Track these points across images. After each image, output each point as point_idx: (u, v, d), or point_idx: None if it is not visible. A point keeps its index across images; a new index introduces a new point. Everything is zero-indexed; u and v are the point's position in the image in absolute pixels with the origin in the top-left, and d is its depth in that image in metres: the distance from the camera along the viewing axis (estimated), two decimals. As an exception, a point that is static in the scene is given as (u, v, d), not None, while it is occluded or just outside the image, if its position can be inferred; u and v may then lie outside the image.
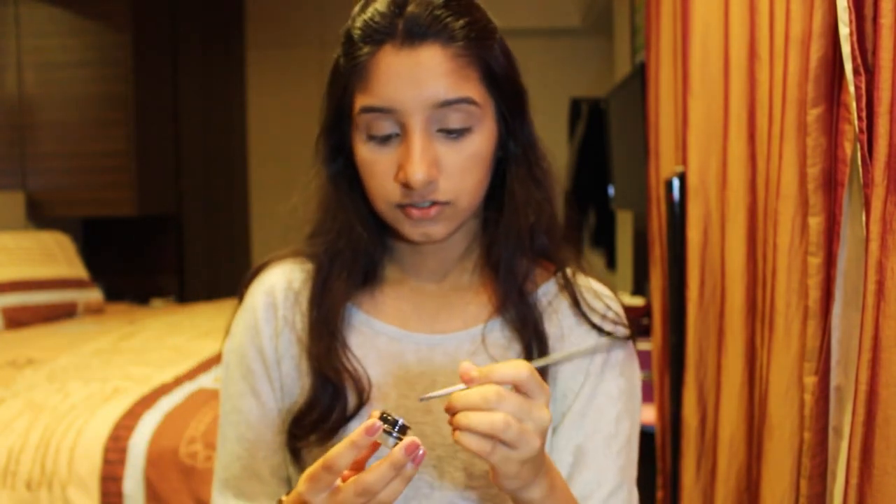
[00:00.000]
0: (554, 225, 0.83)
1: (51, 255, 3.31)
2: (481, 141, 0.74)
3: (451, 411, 0.59)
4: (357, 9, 0.75)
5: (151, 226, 4.05)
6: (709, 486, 1.55)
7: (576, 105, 4.29)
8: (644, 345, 2.15)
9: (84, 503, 1.67)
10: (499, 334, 0.80)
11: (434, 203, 0.73)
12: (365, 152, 0.74)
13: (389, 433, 0.59)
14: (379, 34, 0.71)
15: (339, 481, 0.60)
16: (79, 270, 3.42)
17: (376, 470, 0.58)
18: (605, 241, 4.09)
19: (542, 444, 0.61)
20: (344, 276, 0.80)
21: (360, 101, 0.73)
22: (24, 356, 2.40)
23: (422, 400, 0.62)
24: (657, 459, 1.95)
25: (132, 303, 3.84)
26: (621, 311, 0.83)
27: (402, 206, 0.74)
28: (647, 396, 2.11)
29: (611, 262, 4.05)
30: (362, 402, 0.77)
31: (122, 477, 1.69)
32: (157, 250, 4.13)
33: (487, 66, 0.74)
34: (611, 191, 3.20)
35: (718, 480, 1.44)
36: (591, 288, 0.83)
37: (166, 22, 3.99)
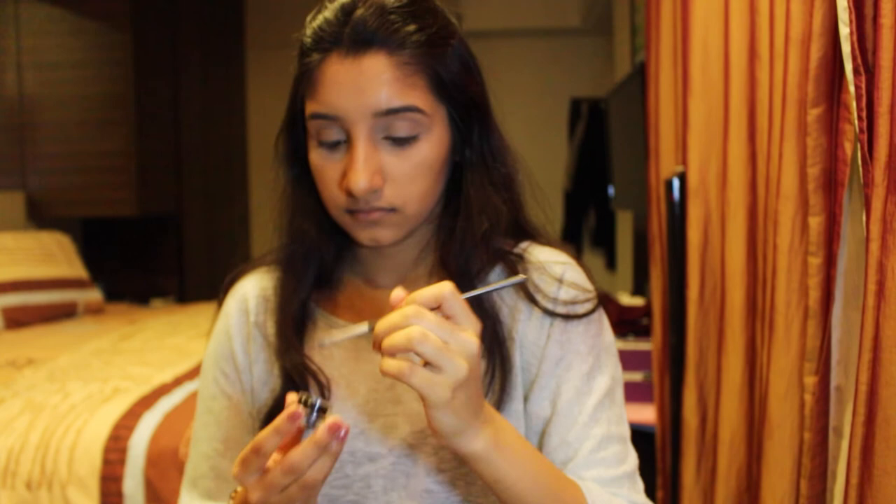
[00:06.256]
0: (523, 225, 0.82)
1: (51, 255, 3.31)
2: (429, 149, 0.74)
3: (377, 341, 0.58)
4: (309, 17, 0.75)
5: (151, 226, 4.04)
6: (709, 486, 1.55)
7: (576, 105, 4.30)
8: (644, 345, 2.15)
9: (84, 503, 1.67)
10: None
11: (377, 209, 0.73)
12: (315, 158, 0.75)
13: (309, 417, 0.61)
14: (325, 42, 0.72)
15: (270, 463, 0.62)
16: (79, 270, 3.41)
17: (301, 449, 0.59)
18: (605, 241, 4.09)
19: (473, 374, 0.59)
20: (300, 277, 0.82)
21: (310, 108, 0.74)
22: (24, 356, 2.40)
23: (321, 346, 0.66)
24: (657, 459, 1.95)
25: (132, 303, 3.84)
26: (579, 279, 0.80)
27: (350, 212, 0.74)
28: (647, 396, 2.11)
29: (611, 262, 4.05)
30: (324, 399, 0.78)
31: (122, 477, 1.69)
32: (157, 250, 4.13)
33: (436, 74, 0.73)
34: (611, 191, 3.21)
35: (718, 480, 1.44)
36: (539, 261, 0.80)
37: (166, 22, 3.99)
